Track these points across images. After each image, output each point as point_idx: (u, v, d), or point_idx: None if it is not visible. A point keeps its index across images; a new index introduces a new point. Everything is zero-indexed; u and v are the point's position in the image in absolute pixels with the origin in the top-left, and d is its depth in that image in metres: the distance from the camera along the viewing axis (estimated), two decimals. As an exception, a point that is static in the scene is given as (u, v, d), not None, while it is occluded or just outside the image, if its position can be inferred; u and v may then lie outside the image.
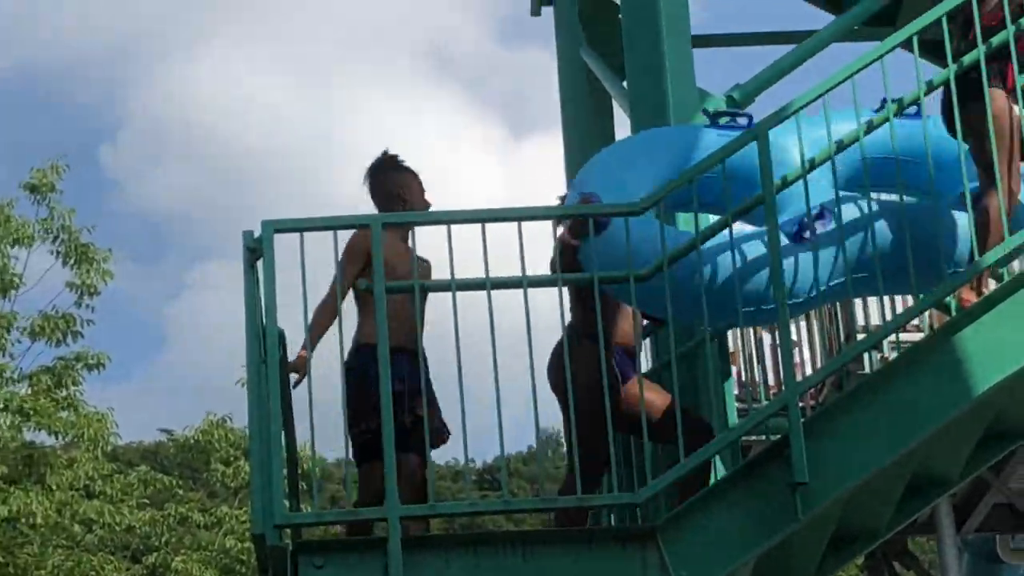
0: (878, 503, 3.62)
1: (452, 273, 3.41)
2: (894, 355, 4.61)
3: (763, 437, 3.94)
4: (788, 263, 3.56)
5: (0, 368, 12.56)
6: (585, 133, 5.78)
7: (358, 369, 3.64)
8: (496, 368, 3.34)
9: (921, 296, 3.72)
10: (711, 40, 6.30)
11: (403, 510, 3.29)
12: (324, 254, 3.46)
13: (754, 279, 3.62)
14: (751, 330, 5.97)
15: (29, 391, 12.52)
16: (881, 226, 3.73)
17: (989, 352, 3.41)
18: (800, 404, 3.49)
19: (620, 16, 4.86)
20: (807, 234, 3.58)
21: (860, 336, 6.04)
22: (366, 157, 4.22)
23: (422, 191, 4.17)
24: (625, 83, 4.89)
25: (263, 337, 3.37)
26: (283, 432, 3.51)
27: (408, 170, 4.20)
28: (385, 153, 4.22)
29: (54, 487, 12.35)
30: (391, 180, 4.13)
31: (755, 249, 3.63)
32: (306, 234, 3.39)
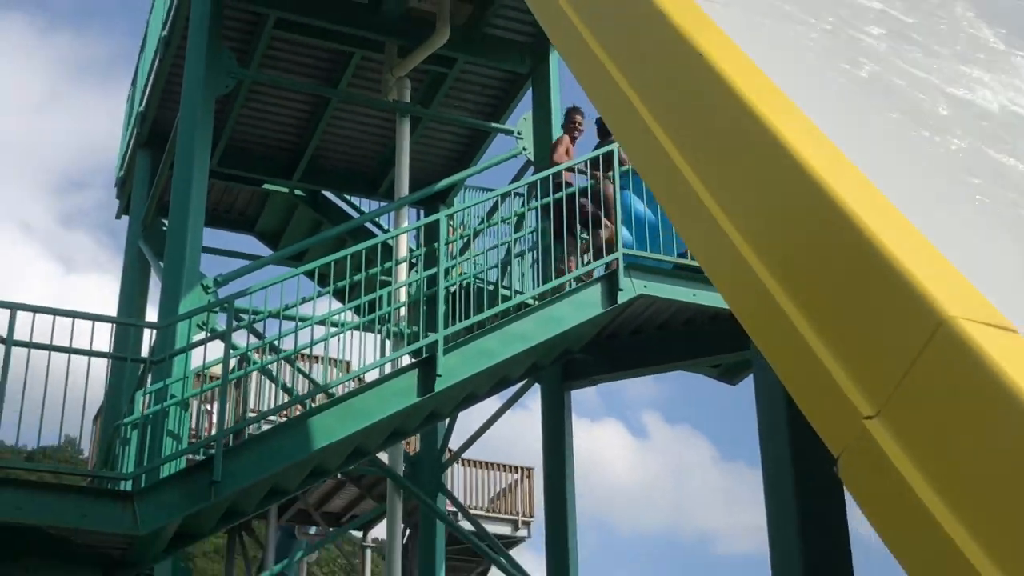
0: (258, 494, 9.06)
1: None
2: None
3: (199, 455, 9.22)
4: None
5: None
6: (132, 286, 11.64)
7: None
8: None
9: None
10: (215, 251, 13.06)
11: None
12: None
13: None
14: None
15: None
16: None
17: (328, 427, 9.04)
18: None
19: (165, 228, 10.60)
20: None
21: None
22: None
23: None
24: (162, 263, 10.53)
25: None
26: None
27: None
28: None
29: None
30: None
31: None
32: None
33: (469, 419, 24.68)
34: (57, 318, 8.64)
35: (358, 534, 22.91)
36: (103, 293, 75.85)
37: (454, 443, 13.34)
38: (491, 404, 11.53)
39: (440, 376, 8.93)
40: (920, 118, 2.96)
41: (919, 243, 2.09)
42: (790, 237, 2.41)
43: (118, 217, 13.60)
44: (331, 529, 20.20)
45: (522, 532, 21.46)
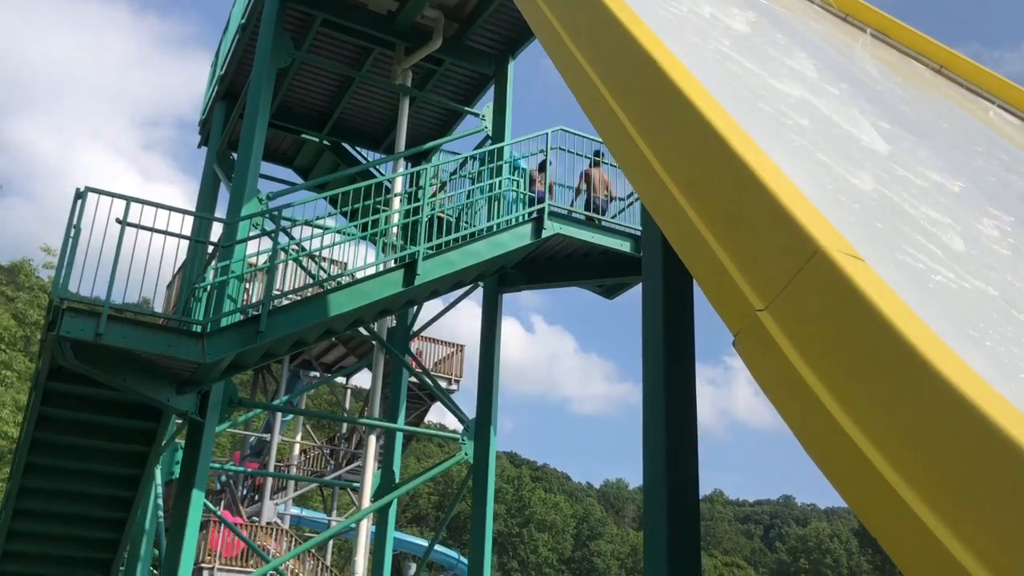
0: (287, 343, 9.01)
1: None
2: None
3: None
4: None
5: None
6: (207, 195, 11.37)
7: None
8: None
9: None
10: (266, 177, 12.33)
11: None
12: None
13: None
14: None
15: None
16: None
17: (340, 302, 9.01)
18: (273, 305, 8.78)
19: (234, 157, 10.25)
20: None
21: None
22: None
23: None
24: (231, 182, 10.22)
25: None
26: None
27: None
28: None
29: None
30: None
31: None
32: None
33: (428, 307, 24.56)
34: (143, 210, 8.10)
35: (342, 380, 22.90)
36: (171, 199, 74.76)
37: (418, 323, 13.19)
38: (438, 304, 11.44)
39: (419, 275, 8.94)
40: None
41: (793, 188, 2.10)
42: (707, 184, 2.38)
43: (199, 147, 13.20)
44: (327, 375, 20.17)
45: (453, 387, 21.57)
